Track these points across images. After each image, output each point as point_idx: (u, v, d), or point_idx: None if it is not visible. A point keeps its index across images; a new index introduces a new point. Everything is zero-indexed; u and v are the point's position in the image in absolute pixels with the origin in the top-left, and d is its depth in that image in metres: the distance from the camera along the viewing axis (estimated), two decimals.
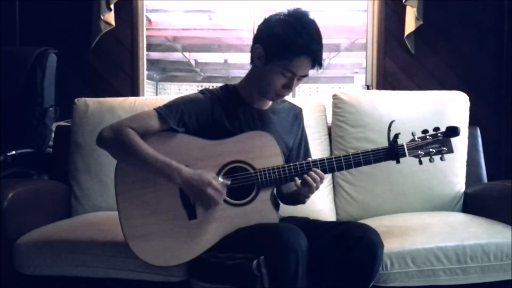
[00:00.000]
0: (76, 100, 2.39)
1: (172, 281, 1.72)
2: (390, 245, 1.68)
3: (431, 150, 1.64)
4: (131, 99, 2.41)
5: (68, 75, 3.12)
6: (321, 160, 1.63)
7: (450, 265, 1.71)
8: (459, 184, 2.29)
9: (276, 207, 1.76)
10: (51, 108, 2.63)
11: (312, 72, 1.69)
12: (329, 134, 2.37)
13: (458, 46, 3.16)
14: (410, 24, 3.06)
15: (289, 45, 1.60)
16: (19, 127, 2.55)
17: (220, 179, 1.60)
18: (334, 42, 4.60)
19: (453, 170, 2.27)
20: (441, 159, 1.65)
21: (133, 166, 1.64)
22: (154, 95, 4.99)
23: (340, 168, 1.64)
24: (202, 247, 1.61)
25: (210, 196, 1.56)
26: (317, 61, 1.63)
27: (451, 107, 2.33)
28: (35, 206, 2.03)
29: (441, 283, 1.72)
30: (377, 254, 1.53)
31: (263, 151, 1.65)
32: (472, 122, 2.39)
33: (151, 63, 4.85)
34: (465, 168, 2.31)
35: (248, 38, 1.68)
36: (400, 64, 3.19)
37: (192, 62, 5.47)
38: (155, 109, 1.67)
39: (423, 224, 1.93)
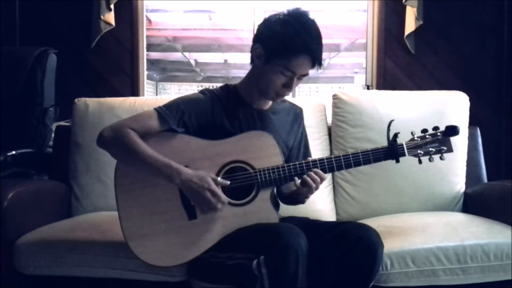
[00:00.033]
0: (76, 100, 2.39)
1: (172, 281, 1.72)
2: (390, 245, 1.68)
3: (430, 149, 1.64)
4: (131, 99, 2.41)
5: (68, 75, 3.12)
6: (321, 159, 1.63)
7: (450, 265, 1.71)
8: (459, 184, 2.29)
9: (276, 207, 1.76)
10: (51, 108, 2.63)
11: (312, 72, 1.69)
12: (329, 134, 2.37)
13: (458, 46, 3.16)
14: (410, 24, 3.06)
15: (288, 44, 1.60)
16: (19, 127, 2.55)
17: (220, 179, 1.59)
18: (334, 42, 4.60)
19: (453, 170, 2.27)
20: (441, 158, 1.65)
21: (133, 167, 1.64)
22: (154, 95, 4.99)
23: (339, 168, 1.64)
24: (202, 247, 1.61)
25: (207, 199, 1.55)
26: (317, 60, 1.63)
27: (451, 107, 2.33)
28: (35, 206, 2.03)
29: (441, 283, 1.72)
30: (377, 254, 1.52)
31: (262, 151, 1.65)
32: (472, 122, 2.39)
33: (151, 63, 4.85)
34: (465, 168, 2.31)
35: (248, 38, 1.68)
36: (400, 64, 3.19)
37: (192, 62, 5.48)
38: (155, 109, 1.67)
39: (423, 224, 1.93)
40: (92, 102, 2.38)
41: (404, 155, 1.64)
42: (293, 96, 3.19)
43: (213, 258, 1.59)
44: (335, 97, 2.39)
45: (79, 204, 2.28)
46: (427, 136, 1.65)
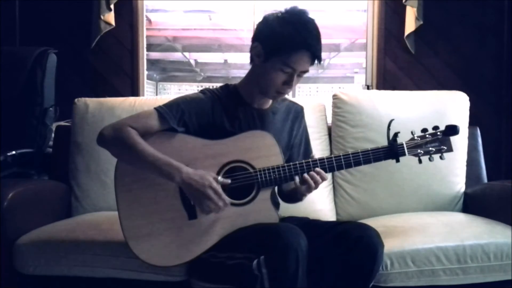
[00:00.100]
0: (76, 100, 2.39)
1: (172, 281, 1.72)
2: (390, 245, 1.67)
3: (430, 149, 1.64)
4: (131, 99, 2.41)
5: (68, 75, 3.12)
6: (321, 159, 1.63)
7: (450, 265, 1.71)
8: (459, 184, 2.29)
9: (276, 206, 1.76)
10: (51, 108, 2.63)
11: (312, 72, 1.70)
12: (329, 134, 2.37)
13: (458, 46, 3.16)
14: (410, 24, 3.06)
15: (287, 41, 1.59)
16: (19, 127, 2.55)
17: (220, 178, 1.59)
18: (334, 42, 4.61)
19: (453, 170, 2.27)
20: (441, 158, 1.65)
21: (133, 165, 1.64)
22: (154, 95, 4.99)
23: (339, 168, 1.63)
24: (202, 247, 1.61)
25: (209, 198, 1.55)
26: (316, 56, 1.63)
27: (451, 107, 2.33)
28: (35, 206, 2.03)
29: (441, 283, 1.72)
30: (377, 254, 1.52)
31: (263, 151, 1.65)
32: (472, 122, 2.39)
33: (151, 63, 4.86)
34: (465, 168, 2.31)
35: (248, 38, 1.68)
36: (400, 64, 3.19)
37: (192, 62, 5.48)
38: (155, 108, 1.67)
39: (423, 224, 1.93)
40: (92, 102, 2.38)
41: (404, 154, 1.64)
42: (293, 96, 3.20)
43: (213, 258, 1.59)
44: (335, 97, 2.39)
45: (79, 204, 2.28)
46: (427, 136, 1.65)
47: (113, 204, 1.67)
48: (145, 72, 3.33)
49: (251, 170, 1.63)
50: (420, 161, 1.66)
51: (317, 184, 1.61)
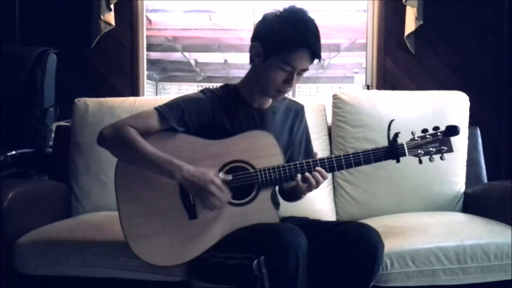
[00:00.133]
0: (76, 100, 2.39)
1: (172, 281, 1.72)
2: (390, 245, 1.67)
3: (431, 149, 1.64)
4: (131, 99, 2.41)
5: (68, 75, 3.12)
6: (321, 159, 1.63)
7: (450, 265, 1.71)
8: (459, 184, 2.29)
9: (276, 206, 1.76)
10: (51, 108, 2.63)
11: (312, 72, 1.70)
12: (329, 134, 2.37)
13: (458, 46, 3.17)
14: (410, 24, 3.06)
15: (287, 39, 1.59)
16: (19, 127, 2.55)
17: (221, 174, 1.59)
18: (334, 42, 4.60)
19: (453, 170, 2.27)
20: (441, 158, 1.65)
21: (133, 164, 1.64)
22: (154, 95, 4.99)
23: (340, 168, 1.64)
24: (202, 247, 1.61)
25: (212, 193, 1.55)
26: (315, 54, 1.63)
27: (451, 107, 2.33)
28: (35, 206, 2.02)
29: (441, 283, 1.72)
30: (377, 254, 1.52)
31: (263, 151, 1.65)
32: (472, 122, 2.39)
33: (151, 63, 4.85)
34: (465, 168, 2.31)
35: (248, 38, 1.68)
36: (400, 64, 3.19)
37: (192, 62, 5.48)
38: (155, 108, 1.67)
39: (423, 224, 1.93)
40: (92, 102, 2.38)
41: (404, 155, 1.64)
42: (293, 96, 3.20)
43: (213, 258, 1.59)
44: (335, 97, 2.39)
45: (79, 204, 2.28)
46: (428, 136, 1.65)
47: (113, 204, 1.67)
48: (145, 72, 3.33)
49: (252, 170, 1.63)
50: (420, 162, 1.66)
51: (318, 183, 1.61)
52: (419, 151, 1.64)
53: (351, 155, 1.63)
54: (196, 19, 4.53)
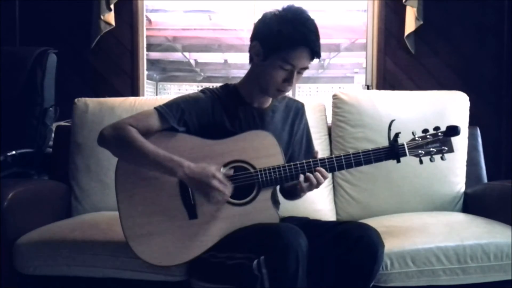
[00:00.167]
0: (76, 100, 2.39)
1: (172, 281, 1.72)
2: (390, 245, 1.67)
3: (431, 149, 1.64)
4: (131, 99, 2.41)
5: (68, 75, 3.12)
6: (322, 159, 1.63)
7: (450, 265, 1.71)
8: (459, 184, 2.29)
9: (277, 206, 1.76)
10: (51, 108, 2.63)
11: (312, 72, 1.70)
12: (329, 134, 2.37)
13: (458, 46, 3.16)
14: (410, 24, 3.06)
15: (286, 37, 1.59)
16: (19, 127, 2.55)
17: (223, 170, 1.58)
18: (334, 42, 4.60)
19: (453, 170, 2.27)
20: (442, 158, 1.65)
21: (135, 163, 1.63)
22: (154, 95, 4.99)
23: (340, 168, 1.64)
24: (202, 247, 1.61)
25: (215, 187, 1.54)
26: (315, 52, 1.63)
27: (451, 107, 2.33)
28: (35, 206, 2.02)
29: (441, 283, 1.72)
30: (377, 254, 1.52)
31: (263, 151, 1.65)
32: (472, 122, 2.39)
33: (151, 63, 4.85)
34: (465, 168, 2.31)
35: (248, 38, 1.69)
36: (400, 64, 3.19)
37: (192, 62, 5.48)
38: (155, 108, 1.67)
39: (423, 224, 1.93)
40: (92, 102, 2.38)
41: (405, 155, 1.64)
42: (293, 96, 3.20)
43: (213, 258, 1.59)
44: (335, 97, 2.39)
45: (79, 204, 2.28)
46: (428, 136, 1.65)
47: (113, 204, 1.67)
48: (145, 72, 3.33)
49: (252, 170, 1.63)
50: (421, 162, 1.66)
51: (319, 183, 1.62)
52: (420, 151, 1.64)
53: (351, 155, 1.63)
54: (196, 19, 4.53)
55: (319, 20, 1.67)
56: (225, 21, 4.43)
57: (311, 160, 1.63)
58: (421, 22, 3.03)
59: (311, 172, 1.61)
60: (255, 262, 1.45)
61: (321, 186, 1.67)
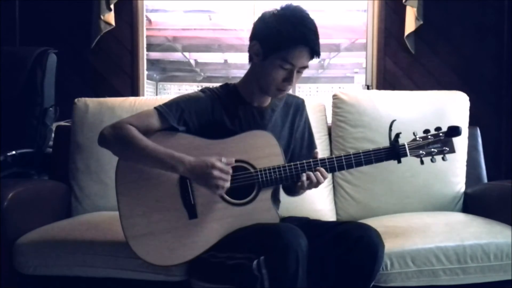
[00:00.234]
0: (76, 100, 2.39)
1: (172, 281, 1.72)
2: (390, 245, 1.67)
3: (432, 150, 1.64)
4: (131, 99, 2.41)
5: (68, 75, 3.12)
6: (322, 159, 1.63)
7: (450, 265, 1.71)
8: (459, 184, 2.29)
9: (277, 204, 1.76)
10: (51, 108, 2.63)
11: (312, 72, 1.70)
12: (329, 134, 2.37)
13: (458, 46, 3.16)
14: (410, 24, 3.06)
15: (286, 36, 1.59)
16: (19, 127, 2.54)
17: (224, 159, 1.58)
18: (334, 42, 4.61)
19: (453, 170, 2.27)
20: (443, 159, 1.65)
21: (135, 162, 1.63)
22: (154, 95, 5.00)
23: (341, 168, 1.63)
24: (202, 247, 1.61)
25: (216, 177, 1.54)
26: (314, 51, 1.63)
27: (451, 107, 2.33)
28: (35, 206, 2.02)
29: (441, 283, 1.72)
30: (377, 254, 1.52)
31: (263, 151, 1.65)
32: (472, 122, 2.39)
33: (151, 63, 4.86)
34: (465, 168, 2.31)
35: (248, 38, 1.69)
36: (400, 64, 3.19)
37: (192, 62, 5.48)
38: (155, 107, 1.67)
39: (423, 224, 1.93)
40: (92, 102, 2.38)
41: (406, 155, 1.64)
42: None
43: (213, 258, 1.59)
44: (335, 97, 2.39)
45: (79, 204, 2.28)
46: (429, 137, 1.65)
47: (113, 204, 1.67)
48: (145, 72, 3.33)
49: (252, 170, 1.63)
50: (422, 162, 1.66)
51: (319, 183, 1.62)
52: (421, 151, 1.64)
53: (352, 156, 1.63)
54: (196, 19, 4.54)
55: (319, 20, 1.67)
56: (225, 21, 4.43)
57: (311, 160, 1.63)
58: (421, 22, 3.03)
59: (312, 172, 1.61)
60: (255, 262, 1.45)
61: (321, 186, 1.68)
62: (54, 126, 2.60)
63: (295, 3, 1.67)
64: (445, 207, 2.24)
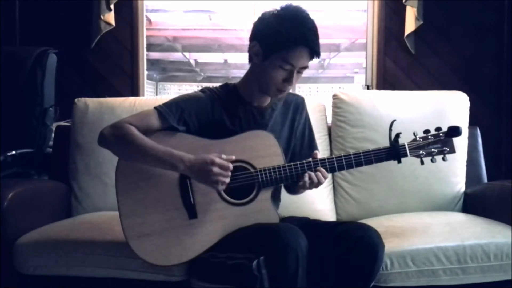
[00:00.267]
0: (76, 100, 2.39)
1: (172, 281, 1.72)
2: (390, 245, 1.67)
3: (433, 150, 1.64)
4: (131, 99, 2.41)
5: (68, 75, 3.12)
6: (322, 159, 1.63)
7: (450, 265, 1.71)
8: (459, 184, 2.29)
9: (277, 204, 1.76)
10: (51, 108, 2.63)
11: (312, 72, 1.70)
12: (329, 134, 2.37)
13: (458, 46, 3.16)
14: (410, 24, 3.06)
15: (285, 37, 1.59)
16: (19, 127, 2.55)
17: (224, 156, 1.58)
18: (334, 42, 4.61)
19: (453, 170, 2.27)
20: (443, 159, 1.65)
21: (135, 161, 1.63)
22: (154, 95, 4.99)
23: (341, 168, 1.64)
24: (202, 247, 1.61)
25: (216, 173, 1.53)
26: (314, 51, 1.62)
27: (451, 107, 2.33)
28: (35, 206, 2.02)
29: (441, 283, 1.72)
30: (377, 254, 1.52)
31: (264, 151, 1.65)
32: (472, 122, 2.39)
33: (151, 63, 4.86)
34: (465, 168, 2.31)
35: (248, 38, 1.69)
36: (400, 64, 3.19)
37: (192, 62, 5.48)
38: (155, 107, 1.67)
39: (423, 224, 1.93)
40: (92, 102, 2.38)
41: (406, 155, 1.64)
42: None
43: (213, 258, 1.59)
44: (335, 97, 2.39)
45: (79, 204, 2.28)
46: (430, 137, 1.65)
47: (113, 204, 1.68)
48: (145, 72, 3.33)
49: (252, 170, 1.63)
50: (422, 162, 1.66)
51: (319, 183, 1.62)
52: (421, 152, 1.64)
53: (352, 156, 1.63)
54: (196, 19, 4.54)
55: (319, 20, 1.67)
56: (225, 21, 4.43)
57: (311, 160, 1.63)
58: (421, 22, 3.03)
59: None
60: (254, 262, 1.45)
61: (321, 186, 1.68)
62: (54, 126, 2.60)
63: (295, 3, 1.67)
64: (445, 207, 2.24)
